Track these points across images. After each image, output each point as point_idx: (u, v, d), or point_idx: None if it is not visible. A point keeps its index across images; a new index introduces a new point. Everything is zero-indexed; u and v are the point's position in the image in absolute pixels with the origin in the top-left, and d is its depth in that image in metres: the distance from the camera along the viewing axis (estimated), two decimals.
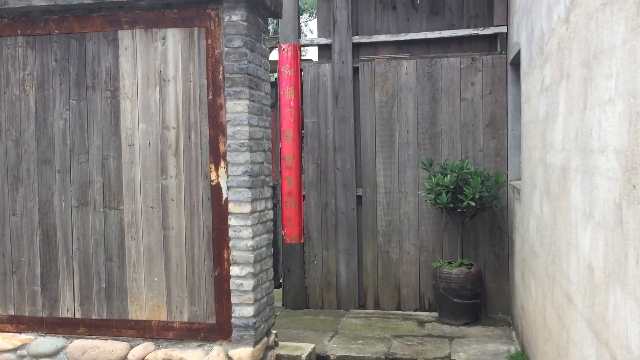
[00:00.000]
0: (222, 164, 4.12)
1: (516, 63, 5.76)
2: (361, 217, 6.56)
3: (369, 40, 6.50)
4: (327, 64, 6.57)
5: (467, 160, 5.82)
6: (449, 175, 5.67)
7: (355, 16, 6.60)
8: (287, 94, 6.54)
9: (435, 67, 6.30)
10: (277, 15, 4.47)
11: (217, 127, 4.11)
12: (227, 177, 4.09)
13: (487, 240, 6.26)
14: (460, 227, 5.96)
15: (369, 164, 6.48)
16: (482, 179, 5.73)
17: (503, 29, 6.18)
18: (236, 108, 4.03)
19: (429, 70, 6.31)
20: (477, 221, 6.21)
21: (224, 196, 4.12)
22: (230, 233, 4.10)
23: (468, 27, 6.38)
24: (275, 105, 6.87)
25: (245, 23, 3.99)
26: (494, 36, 6.32)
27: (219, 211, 4.14)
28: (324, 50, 6.70)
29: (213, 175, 4.14)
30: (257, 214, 4.19)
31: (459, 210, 5.72)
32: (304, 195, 6.66)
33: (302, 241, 6.67)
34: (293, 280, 6.67)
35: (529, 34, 4.49)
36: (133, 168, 4.26)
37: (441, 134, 6.31)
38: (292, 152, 6.56)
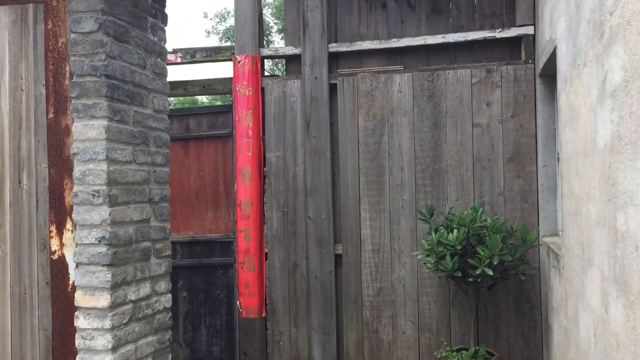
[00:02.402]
0: (69, 224, 2.51)
1: (549, 73, 4.11)
2: (341, 284, 4.88)
3: (350, 49, 4.91)
4: (296, 81, 4.99)
5: (481, 209, 4.12)
6: (455, 231, 3.99)
7: (332, 18, 5.03)
8: (244, 120, 4.95)
9: (437, 83, 4.68)
10: None
11: (61, 165, 2.52)
12: (76, 247, 2.48)
13: (512, 318, 4.52)
14: (474, 299, 4.24)
15: (351, 213, 4.83)
16: (504, 236, 4.04)
17: (529, 30, 4.55)
18: (87, 133, 2.44)
19: (430, 86, 4.69)
20: (498, 291, 4.50)
21: (71, 279, 2.50)
22: (78, 341, 2.46)
23: (481, 29, 4.76)
24: (230, 135, 5.29)
25: None
26: (516, 40, 4.68)
27: (64, 303, 2.52)
28: (293, 62, 5.12)
29: (54, 244, 2.52)
30: (127, 307, 2.55)
31: (470, 279, 4.02)
32: (266, 254, 5.02)
33: (263, 315, 4.99)
34: None
35: (572, 15, 2.86)
36: None
37: (447, 171, 4.65)
38: (250, 197, 4.94)
